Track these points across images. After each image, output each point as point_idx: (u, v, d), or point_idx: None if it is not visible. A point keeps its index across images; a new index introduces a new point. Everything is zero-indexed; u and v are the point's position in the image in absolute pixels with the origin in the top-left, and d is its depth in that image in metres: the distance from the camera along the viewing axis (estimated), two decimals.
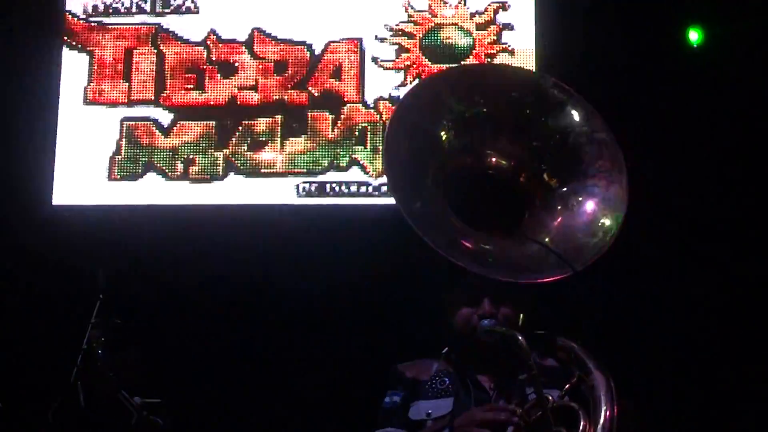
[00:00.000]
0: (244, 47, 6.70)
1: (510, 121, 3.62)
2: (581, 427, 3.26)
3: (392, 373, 3.72)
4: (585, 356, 3.38)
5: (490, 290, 3.54)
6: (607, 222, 3.50)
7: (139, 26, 6.75)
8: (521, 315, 3.60)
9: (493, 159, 3.62)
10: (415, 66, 6.61)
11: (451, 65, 6.51)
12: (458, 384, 3.61)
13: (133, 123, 6.62)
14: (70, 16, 6.74)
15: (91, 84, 6.67)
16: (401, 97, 3.89)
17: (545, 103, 3.64)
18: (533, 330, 3.41)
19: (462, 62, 6.57)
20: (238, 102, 6.64)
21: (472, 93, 3.66)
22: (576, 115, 3.63)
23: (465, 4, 6.67)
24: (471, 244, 3.44)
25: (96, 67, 6.69)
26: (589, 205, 3.54)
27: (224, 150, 6.57)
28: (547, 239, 3.50)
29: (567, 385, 3.36)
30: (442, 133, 3.57)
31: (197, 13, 6.74)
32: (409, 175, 3.48)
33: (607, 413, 3.24)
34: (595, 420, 3.24)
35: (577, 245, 3.46)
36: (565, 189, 3.57)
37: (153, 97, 6.65)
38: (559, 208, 3.55)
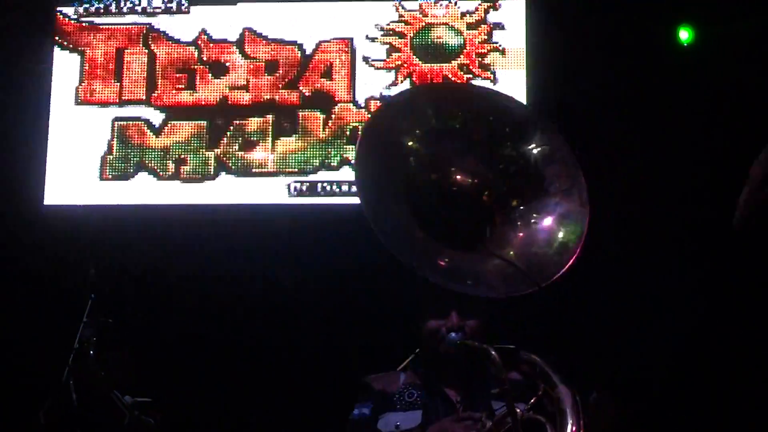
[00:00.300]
0: (235, 47, 6.71)
1: (481, 142, 3.65)
2: None
3: (361, 386, 3.76)
4: (549, 369, 3.43)
5: (457, 303, 3.61)
6: (566, 237, 3.54)
7: (131, 26, 6.75)
8: (486, 328, 3.67)
9: (458, 176, 3.66)
10: (406, 65, 6.62)
11: (442, 64, 6.55)
12: (426, 397, 3.66)
13: (125, 123, 6.63)
14: (61, 16, 6.74)
15: (83, 84, 6.67)
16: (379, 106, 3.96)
17: (518, 130, 3.67)
18: (497, 343, 3.45)
19: (453, 61, 6.59)
20: (229, 102, 6.65)
21: (454, 109, 3.71)
22: (540, 136, 3.66)
23: (456, 4, 6.68)
24: (440, 261, 3.49)
25: (87, 67, 6.69)
26: (548, 221, 3.59)
27: (215, 150, 6.57)
28: (511, 252, 3.54)
29: (533, 398, 3.41)
30: (411, 144, 3.61)
31: (188, 13, 6.75)
32: (378, 190, 3.52)
33: (573, 426, 3.29)
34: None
35: (539, 261, 3.51)
36: (524, 207, 3.61)
37: (144, 97, 6.66)
38: (519, 224, 3.60)
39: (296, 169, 6.52)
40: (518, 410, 3.35)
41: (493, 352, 3.34)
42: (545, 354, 3.48)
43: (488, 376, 3.52)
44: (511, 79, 6.48)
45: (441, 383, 3.71)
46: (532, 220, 3.57)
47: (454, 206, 3.60)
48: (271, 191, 6.50)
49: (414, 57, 6.63)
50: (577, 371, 3.29)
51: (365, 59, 6.65)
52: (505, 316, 3.78)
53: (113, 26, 6.75)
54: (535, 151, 3.63)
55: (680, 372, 5.99)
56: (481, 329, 3.66)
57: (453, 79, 6.54)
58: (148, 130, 6.61)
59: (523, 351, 3.48)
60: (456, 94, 4.19)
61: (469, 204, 3.61)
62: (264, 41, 6.70)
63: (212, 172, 6.54)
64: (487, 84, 6.51)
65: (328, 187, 6.47)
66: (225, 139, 6.59)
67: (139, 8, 6.75)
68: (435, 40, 6.67)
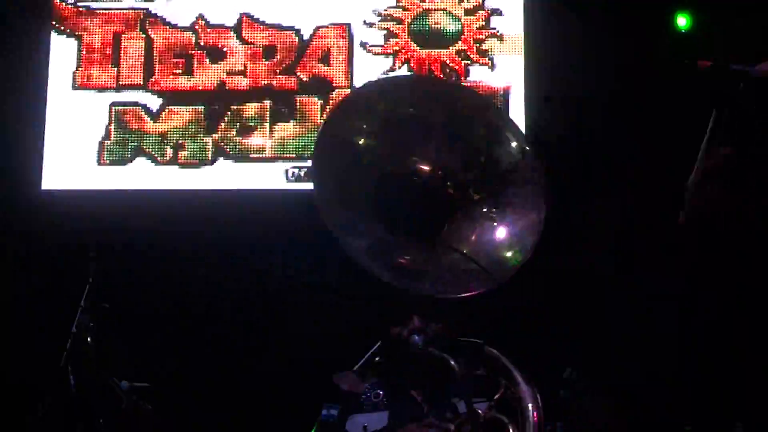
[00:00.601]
0: (232, 32, 6.70)
1: (442, 129, 3.65)
2: None
3: (330, 386, 3.82)
4: (511, 366, 3.47)
5: (419, 306, 3.66)
6: (523, 242, 3.55)
7: (128, 11, 6.74)
8: (449, 328, 3.71)
9: (420, 165, 3.66)
10: (403, 51, 6.61)
11: (439, 50, 6.55)
12: (392, 397, 3.71)
13: (122, 108, 6.63)
14: (58, 1, 6.73)
15: (80, 69, 6.67)
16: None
17: (489, 126, 3.68)
18: (460, 338, 3.48)
19: (451, 47, 6.58)
20: (227, 87, 6.64)
21: (406, 95, 3.72)
22: (512, 143, 3.67)
23: None
24: (400, 258, 3.51)
25: (84, 52, 6.68)
26: (508, 223, 3.60)
27: (213, 135, 6.57)
28: (466, 251, 3.55)
29: (495, 396, 3.44)
30: (363, 141, 3.62)
31: None
32: (339, 190, 3.55)
33: (534, 424, 3.32)
34: (524, 430, 3.34)
35: (496, 258, 3.52)
36: (486, 206, 3.61)
37: (141, 82, 6.65)
38: (479, 220, 3.60)
39: (294, 155, 6.52)
40: (480, 411, 3.41)
41: (453, 363, 3.41)
42: (511, 350, 3.52)
43: (451, 376, 3.56)
44: (509, 65, 6.48)
45: (406, 384, 3.76)
46: (494, 218, 3.60)
47: (414, 197, 3.62)
48: (269, 176, 6.50)
49: (412, 42, 6.62)
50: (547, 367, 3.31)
51: (363, 45, 6.64)
52: (472, 312, 3.79)
53: (110, 11, 6.75)
54: (505, 155, 3.64)
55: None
56: (445, 331, 3.72)
57: (451, 65, 6.54)
58: (146, 116, 6.61)
59: (487, 347, 3.52)
60: (403, 80, 4.20)
61: (430, 194, 3.62)
62: (261, 26, 6.70)
63: (210, 158, 6.55)
64: (484, 70, 6.51)
65: None
66: (222, 124, 6.58)
67: None
68: (433, 25, 6.66)
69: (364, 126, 3.62)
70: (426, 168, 3.63)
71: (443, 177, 3.63)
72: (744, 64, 2.95)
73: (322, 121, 6.51)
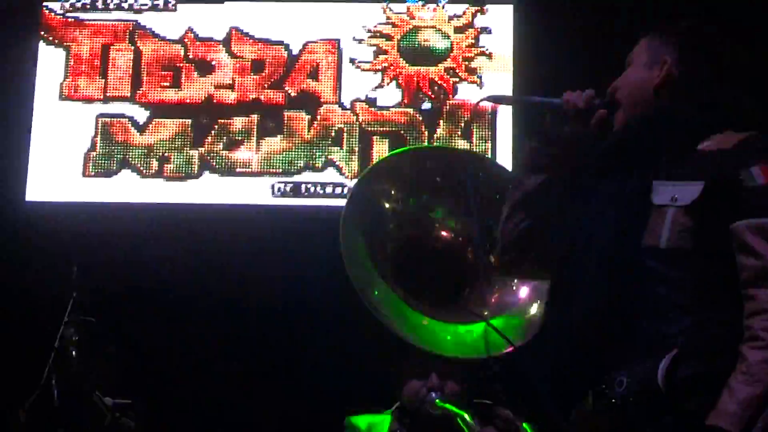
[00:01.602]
0: (221, 46, 6.69)
1: (465, 197, 3.70)
2: None
3: (346, 427, 3.90)
4: (522, 427, 3.55)
5: (438, 364, 3.75)
6: (538, 306, 3.61)
7: (117, 23, 6.71)
8: (465, 387, 3.81)
9: (442, 232, 3.72)
10: (392, 68, 6.61)
11: (428, 67, 6.54)
12: None
13: (109, 120, 6.60)
14: (47, 11, 6.71)
15: (67, 80, 6.63)
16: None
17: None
18: (475, 398, 3.56)
19: (440, 64, 6.59)
20: (215, 100, 6.62)
21: (435, 164, 3.79)
22: None
23: (443, 7, 6.67)
24: (425, 323, 3.60)
25: (72, 63, 6.66)
26: (525, 289, 3.63)
27: (200, 148, 6.55)
28: (486, 312, 3.61)
29: None
30: (390, 206, 3.68)
31: (175, 10, 6.72)
32: (365, 247, 3.62)
33: None
34: None
35: (514, 323, 3.58)
36: None
37: (129, 94, 6.63)
38: (497, 286, 3.66)
39: (280, 170, 6.50)
40: None
41: (468, 418, 3.50)
42: (520, 411, 3.58)
43: None
44: (498, 83, 6.48)
45: None
46: (512, 283, 3.65)
47: (435, 263, 3.69)
48: (255, 191, 6.48)
49: (401, 59, 6.62)
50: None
51: (352, 61, 6.64)
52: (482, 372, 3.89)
53: (99, 22, 6.72)
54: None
55: None
56: (461, 390, 3.83)
57: (440, 82, 6.54)
58: (132, 128, 6.58)
59: (498, 407, 3.60)
60: (436, 151, 4.33)
61: (451, 261, 3.68)
62: (251, 40, 6.69)
63: (196, 171, 6.52)
64: (473, 88, 6.52)
65: (312, 189, 6.46)
66: (209, 137, 6.56)
67: (125, 5, 6.72)
68: (422, 42, 6.66)
69: (392, 191, 3.70)
70: (447, 235, 3.70)
71: (463, 244, 3.70)
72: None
73: (309, 136, 6.51)
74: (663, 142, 2.78)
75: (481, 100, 3.07)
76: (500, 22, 6.62)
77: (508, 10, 6.62)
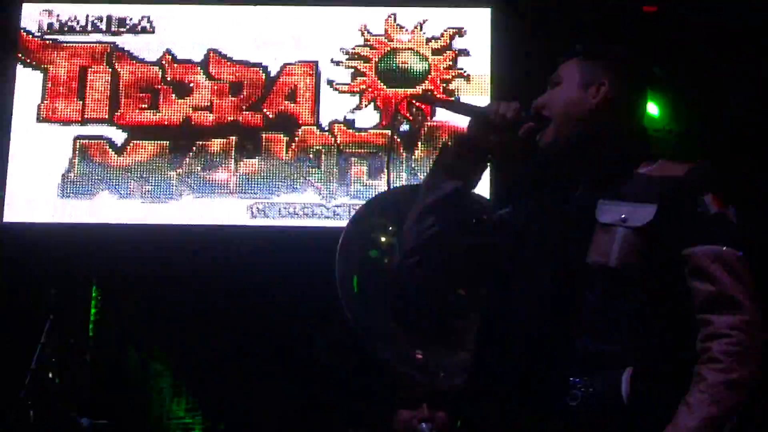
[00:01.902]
0: (199, 68, 6.70)
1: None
2: None
3: None
4: None
5: (428, 394, 3.77)
6: None
7: (95, 44, 6.72)
8: (456, 418, 3.82)
9: None
10: (370, 90, 6.63)
11: (406, 89, 6.56)
12: None
13: (87, 141, 6.59)
14: (24, 33, 6.70)
15: (45, 101, 6.63)
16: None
17: None
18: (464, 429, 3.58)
19: (418, 86, 6.60)
20: (193, 122, 6.63)
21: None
22: None
23: (421, 30, 6.70)
24: (416, 354, 3.62)
25: (50, 85, 6.65)
26: None
27: (178, 170, 6.55)
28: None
29: None
30: (385, 240, 3.70)
31: (153, 32, 6.73)
32: (359, 278, 3.65)
33: None
34: None
35: None
36: None
37: (107, 116, 6.62)
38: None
39: (257, 191, 6.50)
40: None
41: None
42: None
43: None
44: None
45: None
46: None
47: (429, 298, 3.71)
48: (233, 212, 6.48)
49: (379, 81, 6.64)
50: None
51: (330, 83, 6.66)
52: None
53: (77, 44, 6.72)
54: None
55: None
56: (451, 421, 3.83)
57: (417, 104, 6.57)
58: (110, 149, 6.57)
59: None
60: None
61: (444, 296, 3.70)
62: (229, 63, 6.70)
63: (174, 192, 6.52)
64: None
65: (290, 210, 6.47)
66: (187, 159, 6.56)
67: (103, 27, 6.73)
68: (400, 65, 6.69)
69: (389, 226, 3.73)
70: None
71: None
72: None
73: (287, 158, 6.52)
74: (606, 160, 2.81)
75: (412, 100, 3.13)
76: (478, 44, 6.65)
77: (486, 32, 6.65)
